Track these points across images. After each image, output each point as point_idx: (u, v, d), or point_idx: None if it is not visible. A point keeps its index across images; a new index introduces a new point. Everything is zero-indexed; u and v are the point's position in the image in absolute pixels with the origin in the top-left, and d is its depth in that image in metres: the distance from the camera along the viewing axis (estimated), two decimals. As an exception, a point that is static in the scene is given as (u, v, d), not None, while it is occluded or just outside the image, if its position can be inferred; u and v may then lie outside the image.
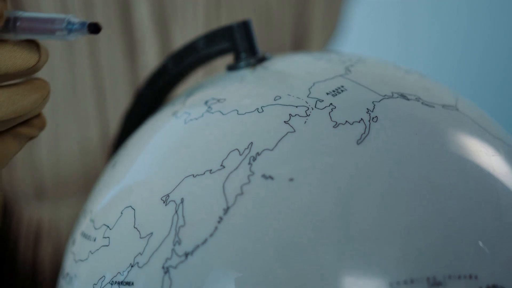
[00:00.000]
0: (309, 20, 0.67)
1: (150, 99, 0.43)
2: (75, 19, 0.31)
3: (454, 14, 1.39)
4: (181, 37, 0.58)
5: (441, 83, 0.40)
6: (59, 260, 0.55)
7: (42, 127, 0.34)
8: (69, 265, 0.36)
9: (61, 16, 0.31)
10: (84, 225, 0.36)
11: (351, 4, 0.70)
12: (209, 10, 0.61)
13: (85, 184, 0.55)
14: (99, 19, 0.56)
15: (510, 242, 0.32)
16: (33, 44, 0.32)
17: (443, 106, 0.35)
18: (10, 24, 0.31)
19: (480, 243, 0.31)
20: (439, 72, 1.36)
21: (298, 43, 0.67)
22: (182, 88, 0.44)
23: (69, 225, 0.55)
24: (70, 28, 0.31)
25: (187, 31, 0.60)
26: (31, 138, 0.33)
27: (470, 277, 0.30)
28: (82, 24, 0.31)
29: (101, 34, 0.32)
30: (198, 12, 0.60)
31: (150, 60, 0.58)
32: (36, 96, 0.32)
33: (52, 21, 0.31)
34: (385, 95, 0.34)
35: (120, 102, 0.56)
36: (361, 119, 0.32)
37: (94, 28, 0.31)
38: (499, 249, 0.31)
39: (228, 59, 0.40)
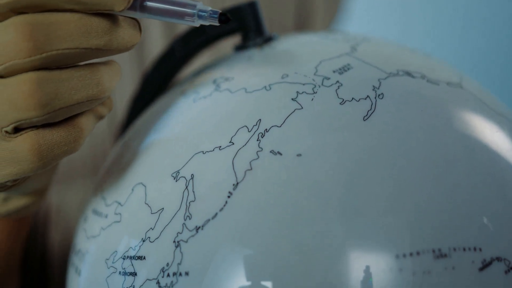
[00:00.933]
0: (311, 2, 0.67)
1: (157, 82, 0.43)
2: (205, 6, 0.32)
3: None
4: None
5: (445, 61, 0.40)
6: (67, 243, 0.56)
7: (111, 107, 0.34)
8: (81, 241, 0.37)
9: (191, 1, 0.31)
10: (95, 202, 0.37)
11: None
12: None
13: (93, 167, 0.56)
14: None
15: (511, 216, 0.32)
16: (136, 23, 0.32)
17: (448, 83, 0.35)
18: (138, 2, 0.31)
19: (484, 217, 0.31)
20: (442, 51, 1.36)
21: (301, 25, 0.67)
22: (189, 70, 0.45)
23: (77, 210, 0.56)
24: (200, 15, 0.31)
25: None
26: (101, 118, 0.34)
27: (475, 249, 0.31)
28: (214, 12, 0.31)
29: None
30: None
31: (156, 43, 0.58)
32: (119, 77, 0.33)
33: (183, 5, 0.31)
34: (390, 73, 0.34)
35: (127, 85, 0.57)
36: (367, 96, 0.33)
37: (225, 18, 0.31)
38: (503, 223, 0.32)
39: (231, 43, 0.40)
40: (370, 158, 0.31)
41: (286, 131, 0.32)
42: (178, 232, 0.32)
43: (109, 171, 0.37)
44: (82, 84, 0.31)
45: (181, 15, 0.32)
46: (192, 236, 0.31)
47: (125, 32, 0.31)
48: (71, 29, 0.30)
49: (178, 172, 0.33)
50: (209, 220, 0.31)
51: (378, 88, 0.33)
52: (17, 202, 0.37)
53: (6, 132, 0.30)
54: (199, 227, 0.31)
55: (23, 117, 0.30)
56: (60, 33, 0.29)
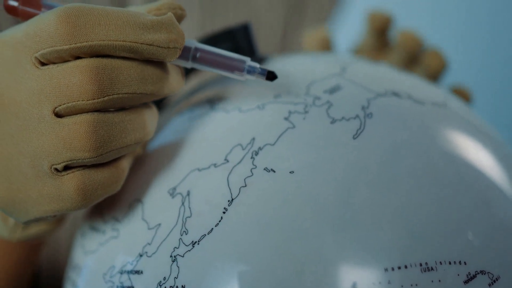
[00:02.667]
0: (298, 24, 0.68)
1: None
2: (254, 62, 0.34)
3: None
4: None
5: (429, 82, 0.42)
6: (56, 261, 0.56)
7: (144, 148, 0.37)
8: (78, 256, 0.38)
9: (240, 56, 0.34)
10: (93, 218, 0.38)
11: (341, 7, 0.72)
12: (204, 13, 0.62)
13: None
14: None
15: (496, 230, 0.34)
16: (180, 70, 0.35)
17: (433, 103, 0.37)
18: (191, 53, 0.33)
19: (469, 232, 0.33)
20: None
21: (288, 47, 0.69)
22: (184, 88, 0.46)
23: (66, 228, 0.56)
24: (250, 71, 0.34)
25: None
26: (136, 158, 0.36)
27: (460, 263, 0.32)
28: (262, 70, 0.34)
29: None
30: (193, 14, 0.62)
31: None
32: (157, 120, 0.36)
33: (233, 59, 0.34)
34: (378, 93, 0.36)
35: None
36: (357, 115, 0.34)
37: (272, 76, 0.34)
38: (486, 238, 0.33)
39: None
40: (360, 174, 0.32)
41: (279, 149, 0.33)
42: (175, 247, 0.33)
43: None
44: (132, 127, 0.32)
45: (231, 69, 0.34)
46: (189, 250, 0.32)
47: (173, 79, 0.33)
48: (131, 75, 0.31)
49: (174, 188, 0.34)
50: (205, 235, 0.32)
51: (367, 108, 0.35)
52: (37, 228, 0.38)
53: (56, 169, 0.31)
54: (195, 242, 0.32)
55: (77, 157, 0.31)
56: (122, 78, 0.31)
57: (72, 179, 0.32)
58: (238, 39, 0.40)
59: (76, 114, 0.31)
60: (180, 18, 0.34)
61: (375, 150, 0.33)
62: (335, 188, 0.32)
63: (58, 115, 0.31)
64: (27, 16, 0.33)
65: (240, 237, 0.32)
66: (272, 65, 0.40)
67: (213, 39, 0.41)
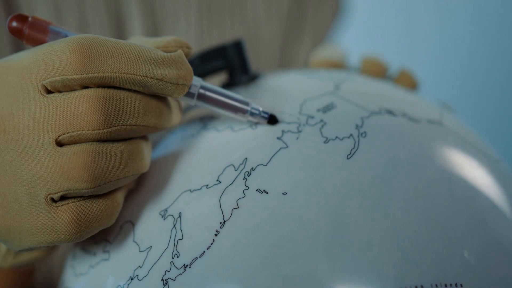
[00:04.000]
0: (297, 37, 0.68)
1: None
2: (256, 105, 0.34)
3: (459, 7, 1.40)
4: None
5: (426, 98, 0.41)
6: (50, 281, 0.56)
7: (137, 182, 0.36)
8: (69, 279, 0.37)
9: (244, 98, 0.34)
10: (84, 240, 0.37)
11: (340, 22, 0.72)
12: (201, 27, 0.62)
13: None
14: (92, 31, 0.57)
15: (493, 251, 0.33)
16: (178, 105, 0.35)
17: (428, 121, 0.36)
18: (196, 91, 0.34)
19: (465, 253, 0.32)
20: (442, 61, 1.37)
21: (286, 61, 0.68)
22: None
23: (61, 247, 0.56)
24: (253, 113, 0.34)
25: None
26: (129, 191, 0.36)
27: (456, 285, 0.31)
28: (265, 112, 0.34)
29: None
30: (190, 28, 0.61)
31: None
32: (151, 153, 0.35)
33: (237, 100, 0.34)
34: (373, 111, 0.35)
35: None
36: (351, 134, 0.34)
37: (273, 120, 0.34)
38: (483, 258, 0.32)
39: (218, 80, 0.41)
40: (354, 195, 0.32)
41: (272, 170, 0.33)
42: (166, 270, 0.32)
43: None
44: (130, 159, 0.32)
45: (235, 110, 0.34)
46: (180, 274, 0.32)
47: (174, 113, 0.34)
48: (136, 107, 0.31)
49: (166, 210, 0.34)
50: (196, 258, 0.32)
51: (361, 127, 0.34)
52: (29, 255, 0.38)
53: (52, 199, 0.31)
54: (187, 265, 0.32)
55: (74, 187, 0.31)
56: (127, 110, 0.31)
57: (67, 211, 0.31)
58: (230, 56, 0.40)
59: (78, 143, 0.31)
60: (187, 55, 0.34)
61: (369, 170, 0.33)
62: (328, 210, 0.32)
63: (60, 143, 0.31)
64: (32, 40, 0.33)
65: (233, 261, 0.31)
66: (265, 83, 0.39)
67: (206, 56, 0.40)
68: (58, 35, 0.33)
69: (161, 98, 0.33)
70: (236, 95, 0.34)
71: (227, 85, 0.40)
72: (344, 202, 0.32)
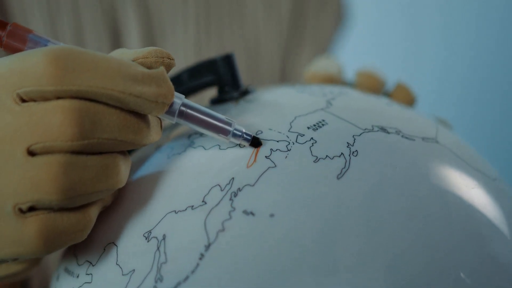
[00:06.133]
0: (298, 49, 0.67)
1: None
2: (239, 127, 0.33)
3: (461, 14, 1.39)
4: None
5: (422, 113, 0.40)
6: None
7: (114, 198, 0.35)
8: (53, 300, 0.36)
9: (227, 119, 0.33)
10: (68, 260, 0.36)
11: (341, 34, 0.71)
12: (199, 39, 0.61)
13: None
14: (89, 43, 0.56)
15: (491, 272, 0.32)
16: (159, 121, 0.33)
17: (423, 138, 0.35)
18: (178, 109, 0.33)
19: (462, 274, 0.31)
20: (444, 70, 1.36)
21: (287, 72, 0.67)
22: (165, 124, 0.44)
23: (56, 260, 0.55)
24: (235, 134, 0.33)
25: (176, 59, 0.60)
26: (105, 207, 0.34)
27: None
28: (248, 134, 0.33)
29: None
30: (188, 40, 0.61)
31: None
32: (129, 168, 0.34)
33: (220, 120, 0.33)
34: (365, 129, 0.34)
35: None
36: (342, 153, 0.33)
37: (256, 142, 0.33)
38: (480, 280, 0.31)
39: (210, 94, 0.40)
40: (344, 217, 0.31)
41: (259, 190, 0.32)
42: None
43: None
44: (105, 174, 0.31)
45: (217, 130, 0.33)
46: None
47: (153, 130, 0.32)
48: (113, 121, 0.30)
49: (150, 232, 0.32)
50: (180, 282, 0.30)
51: (352, 145, 0.33)
52: (9, 268, 0.37)
53: (20, 209, 0.30)
54: None
55: (43, 198, 0.29)
56: (104, 123, 0.30)
57: (34, 223, 0.30)
58: (220, 70, 0.39)
59: (50, 154, 0.30)
60: (168, 66, 0.33)
61: (360, 191, 0.31)
62: (317, 232, 0.30)
63: (33, 153, 0.30)
64: (9, 48, 0.32)
65: (218, 286, 0.30)
66: (256, 99, 0.38)
67: (195, 70, 0.39)
68: (37, 44, 0.32)
69: (140, 114, 0.32)
70: (219, 115, 0.33)
71: (217, 100, 0.39)
72: (334, 224, 0.31)
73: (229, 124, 0.33)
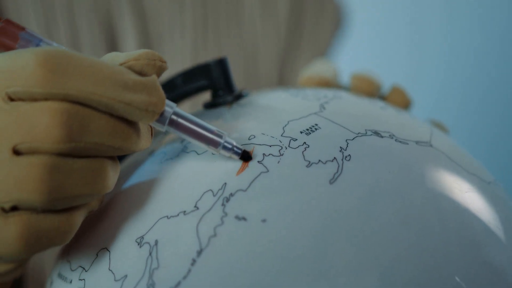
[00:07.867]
0: (296, 53, 0.67)
1: None
2: (230, 139, 0.33)
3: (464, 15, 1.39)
4: (167, 71, 0.59)
5: (416, 117, 0.40)
6: None
7: (101, 203, 0.35)
8: (47, 306, 0.36)
9: (218, 130, 0.33)
10: (62, 265, 0.36)
11: (339, 38, 0.71)
12: (197, 45, 0.61)
13: None
14: (85, 47, 0.56)
15: (486, 277, 0.32)
16: (149, 129, 0.33)
17: (417, 142, 0.35)
18: (169, 118, 0.32)
19: (457, 279, 0.31)
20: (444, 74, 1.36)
21: (285, 77, 0.67)
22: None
23: (52, 265, 0.55)
24: (225, 146, 0.33)
25: (174, 64, 0.60)
26: (90, 212, 0.34)
27: None
28: (238, 148, 0.33)
29: None
30: (185, 46, 0.61)
31: None
32: (118, 174, 0.34)
33: (210, 131, 0.33)
34: (358, 133, 0.34)
35: None
36: (334, 158, 0.33)
37: (246, 156, 0.33)
38: (475, 285, 0.31)
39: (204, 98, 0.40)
40: (337, 222, 0.31)
41: (251, 196, 0.32)
42: None
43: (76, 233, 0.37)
44: (91, 177, 0.30)
45: (207, 141, 0.33)
46: None
47: (143, 137, 0.32)
48: (102, 126, 0.30)
49: (142, 237, 0.32)
50: None
51: (345, 150, 0.33)
52: None
53: (3, 209, 0.30)
54: None
55: (26, 199, 0.29)
56: (92, 127, 0.30)
57: (15, 223, 0.29)
58: (214, 74, 0.38)
59: (36, 154, 0.29)
60: (160, 69, 0.32)
61: (353, 196, 0.31)
62: (310, 238, 0.30)
63: (18, 152, 0.29)
64: (1, 46, 0.32)
65: None
66: (249, 103, 0.38)
67: (190, 74, 0.39)
68: (29, 42, 0.32)
69: (130, 121, 0.31)
70: (210, 126, 0.33)
71: (210, 104, 0.39)
72: (326, 229, 0.30)
73: (220, 136, 0.33)
